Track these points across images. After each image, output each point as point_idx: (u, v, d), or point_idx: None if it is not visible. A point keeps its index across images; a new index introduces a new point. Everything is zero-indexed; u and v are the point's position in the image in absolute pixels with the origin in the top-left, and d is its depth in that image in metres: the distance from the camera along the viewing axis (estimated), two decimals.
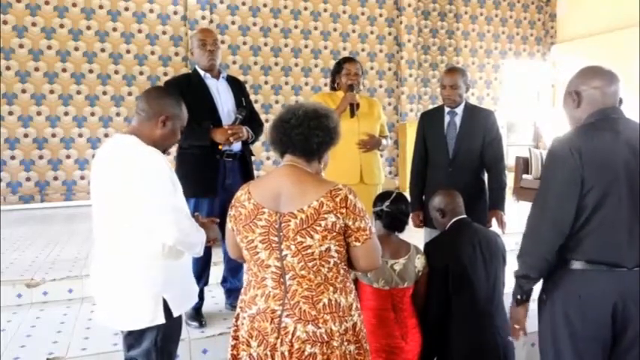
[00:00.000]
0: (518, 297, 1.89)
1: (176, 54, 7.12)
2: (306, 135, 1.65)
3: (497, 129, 3.09)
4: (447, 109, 3.11)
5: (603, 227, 1.73)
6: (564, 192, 1.74)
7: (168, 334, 1.90)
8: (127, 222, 1.81)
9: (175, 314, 1.87)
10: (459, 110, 3.08)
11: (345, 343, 1.63)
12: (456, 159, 3.04)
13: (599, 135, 1.75)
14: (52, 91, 6.61)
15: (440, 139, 3.10)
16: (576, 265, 1.77)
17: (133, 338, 1.90)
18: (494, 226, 2.97)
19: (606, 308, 1.74)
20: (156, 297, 1.82)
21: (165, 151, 1.98)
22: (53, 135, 6.65)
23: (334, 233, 1.59)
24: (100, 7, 6.76)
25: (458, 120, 3.08)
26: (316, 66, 7.76)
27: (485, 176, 3.10)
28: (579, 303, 1.76)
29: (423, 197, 3.15)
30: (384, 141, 3.33)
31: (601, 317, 1.75)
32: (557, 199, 1.75)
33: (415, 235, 2.85)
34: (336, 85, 3.34)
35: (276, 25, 7.56)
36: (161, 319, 1.83)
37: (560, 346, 1.82)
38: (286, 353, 1.59)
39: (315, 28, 7.76)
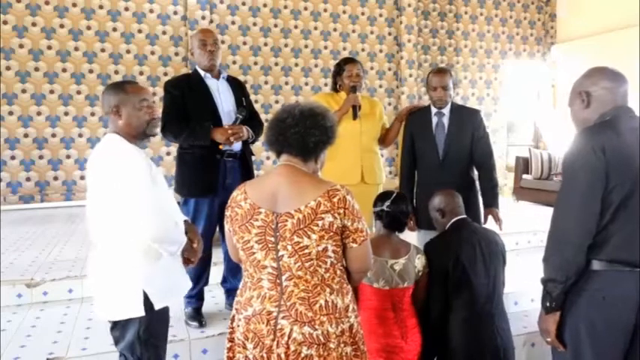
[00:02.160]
0: (547, 304, 1.79)
1: (176, 54, 7.11)
2: (302, 134, 1.64)
3: (484, 127, 3.11)
4: (433, 110, 3.11)
5: (626, 227, 1.70)
6: (589, 190, 1.70)
7: (152, 327, 1.93)
8: (108, 218, 1.87)
9: (157, 307, 1.90)
10: (446, 111, 3.09)
11: (342, 345, 1.62)
12: (447, 159, 3.04)
13: (618, 133, 1.72)
14: (52, 91, 6.61)
15: (429, 140, 3.09)
16: (598, 265, 1.72)
17: (117, 331, 1.96)
18: (491, 224, 2.98)
19: (631, 310, 1.69)
20: (136, 290, 1.87)
21: (147, 136, 2.01)
22: (53, 135, 6.64)
23: (331, 233, 1.59)
24: (100, 7, 6.75)
25: (446, 120, 3.08)
26: (316, 66, 7.76)
27: (475, 174, 3.11)
28: (603, 305, 1.71)
29: (414, 201, 3.14)
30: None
31: (626, 319, 1.70)
32: (583, 198, 1.71)
33: (414, 236, 2.86)
34: (338, 87, 3.34)
35: (276, 25, 7.56)
36: (140, 312, 1.87)
37: (581, 349, 1.76)
38: (282, 355, 1.58)
39: (315, 28, 7.76)
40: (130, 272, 1.88)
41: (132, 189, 1.82)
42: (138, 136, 1.97)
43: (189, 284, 2.11)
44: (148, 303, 1.87)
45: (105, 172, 1.86)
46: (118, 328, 1.95)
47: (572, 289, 1.76)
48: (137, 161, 1.86)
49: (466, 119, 3.07)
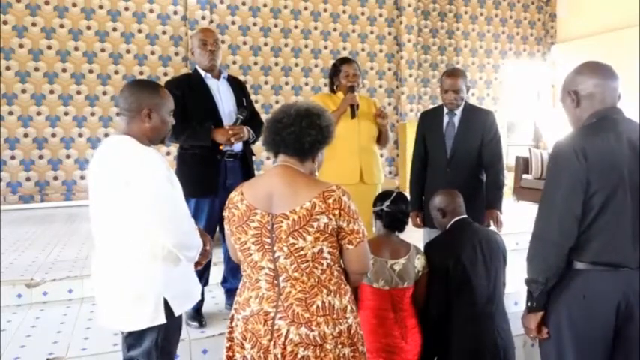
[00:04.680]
0: (529, 304, 1.85)
1: (176, 54, 7.11)
2: (298, 134, 1.63)
3: (495, 129, 3.09)
4: (445, 110, 3.12)
5: (607, 229, 1.72)
6: (571, 194, 1.72)
7: (168, 333, 1.89)
8: (126, 223, 1.80)
9: (177, 313, 1.86)
10: (458, 111, 3.09)
11: (340, 346, 1.61)
12: (454, 159, 3.04)
13: (602, 136, 1.73)
14: (52, 91, 6.61)
15: (438, 139, 3.10)
16: (580, 265, 1.76)
17: (133, 338, 1.89)
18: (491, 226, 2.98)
19: (610, 308, 1.73)
20: (157, 297, 1.81)
21: (162, 141, 1.97)
22: (53, 135, 6.65)
23: (327, 235, 1.58)
24: (100, 7, 6.76)
25: (456, 120, 3.08)
26: (316, 66, 7.76)
27: (484, 176, 3.10)
28: (584, 303, 1.75)
29: (423, 197, 3.16)
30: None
31: (605, 317, 1.74)
32: (564, 201, 1.73)
33: (414, 235, 2.85)
34: (335, 87, 3.34)
35: (276, 25, 7.56)
36: (162, 319, 1.81)
37: (564, 346, 1.80)
38: (279, 356, 1.57)
39: (315, 28, 7.76)
40: (149, 278, 1.81)
41: (154, 193, 1.75)
42: (155, 141, 1.92)
43: (200, 288, 2.08)
44: (167, 309, 1.82)
45: (121, 175, 1.76)
46: (134, 336, 1.87)
47: (554, 287, 1.80)
48: (157, 164, 1.79)
49: (477, 120, 3.07)
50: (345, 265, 1.68)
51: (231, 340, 1.72)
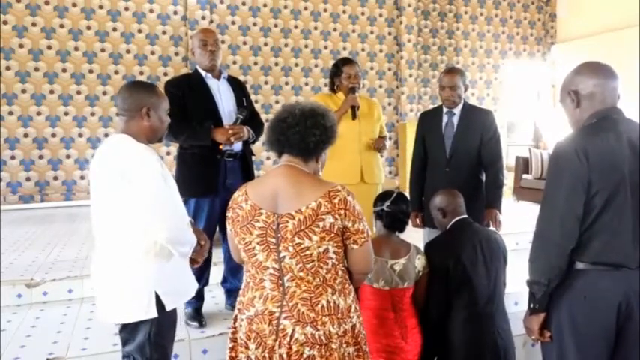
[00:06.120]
0: (531, 305, 1.84)
1: (176, 54, 7.11)
2: (303, 134, 1.64)
3: (495, 128, 3.09)
4: (445, 109, 3.12)
5: (608, 229, 1.72)
6: (572, 194, 1.71)
7: (161, 328, 1.92)
8: (120, 219, 1.84)
9: (168, 308, 1.89)
10: (457, 110, 3.09)
11: (344, 345, 1.62)
12: (453, 159, 3.04)
13: (603, 136, 1.73)
14: (52, 91, 6.61)
15: (437, 138, 3.11)
16: (580, 266, 1.76)
17: (127, 333, 1.93)
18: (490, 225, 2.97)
19: (611, 308, 1.73)
20: (148, 291, 1.85)
21: (160, 140, 2.02)
22: (53, 135, 6.64)
23: (332, 234, 1.58)
24: (100, 7, 6.75)
25: (455, 120, 3.09)
26: (316, 66, 7.76)
27: (484, 176, 3.10)
28: (585, 303, 1.75)
29: (423, 198, 3.16)
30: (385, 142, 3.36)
31: (606, 317, 1.74)
32: (565, 202, 1.72)
33: (414, 235, 2.85)
34: (335, 87, 3.34)
35: (276, 25, 7.56)
36: (153, 313, 1.85)
37: (565, 346, 1.80)
38: (284, 355, 1.58)
39: (315, 28, 7.76)
40: (142, 273, 1.85)
41: (149, 189, 1.80)
42: (153, 140, 1.97)
43: (196, 285, 2.10)
44: (159, 304, 1.86)
45: (119, 172, 1.82)
46: (128, 329, 1.92)
47: (556, 287, 1.80)
48: (152, 162, 1.84)
49: (476, 120, 3.07)
50: (349, 264, 1.68)
51: (234, 340, 1.72)
